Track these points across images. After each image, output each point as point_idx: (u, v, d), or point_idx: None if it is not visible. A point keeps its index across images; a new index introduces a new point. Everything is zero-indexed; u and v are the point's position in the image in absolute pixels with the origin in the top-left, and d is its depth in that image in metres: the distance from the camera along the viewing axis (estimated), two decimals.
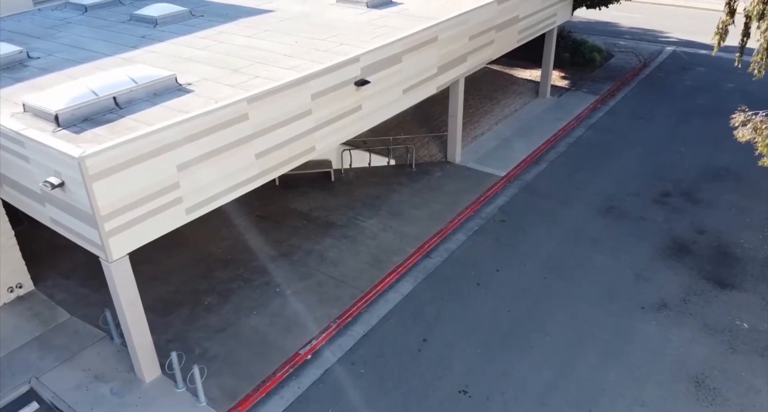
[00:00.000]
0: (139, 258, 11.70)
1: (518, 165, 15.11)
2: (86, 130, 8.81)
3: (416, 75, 12.51)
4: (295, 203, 13.69)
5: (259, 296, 10.77)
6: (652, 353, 9.52)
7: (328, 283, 11.08)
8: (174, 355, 8.83)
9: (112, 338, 9.96)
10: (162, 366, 9.21)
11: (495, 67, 21.42)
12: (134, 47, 12.55)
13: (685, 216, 13.01)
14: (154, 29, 13.70)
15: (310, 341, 9.76)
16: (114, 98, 9.73)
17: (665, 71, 21.80)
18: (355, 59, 10.80)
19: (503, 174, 14.65)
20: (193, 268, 11.56)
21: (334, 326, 10.05)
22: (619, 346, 9.65)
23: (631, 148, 16.12)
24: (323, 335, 9.88)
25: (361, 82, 10.91)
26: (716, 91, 19.77)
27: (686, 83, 20.69)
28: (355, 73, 10.86)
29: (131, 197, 8.02)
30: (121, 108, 9.71)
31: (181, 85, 10.39)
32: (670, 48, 24.34)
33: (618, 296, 10.72)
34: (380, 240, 12.29)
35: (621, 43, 24.92)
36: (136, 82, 10.08)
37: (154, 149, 8.10)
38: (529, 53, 21.45)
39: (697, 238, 12.27)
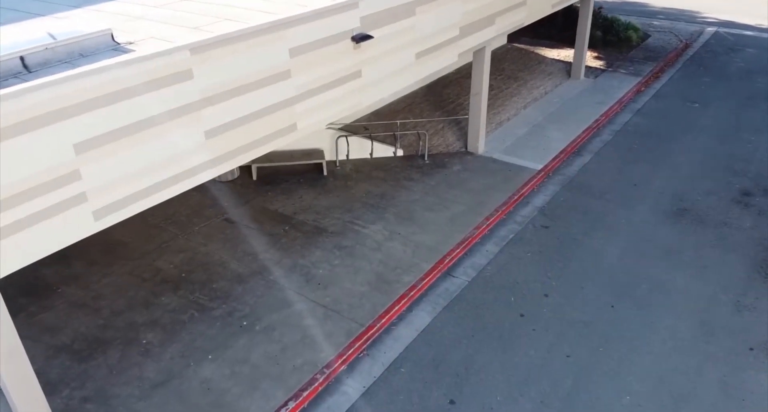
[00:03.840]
0: (60, 277, 8.87)
1: (557, 156, 12.14)
2: None
3: (433, 35, 9.54)
4: (276, 203, 10.71)
5: (218, 333, 7.77)
6: None
7: (314, 313, 8.10)
8: None
9: None
10: None
11: (518, 45, 18.48)
12: (76, 6, 9.71)
13: None
14: None
15: (286, 404, 6.76)
16: (21, 58, 6.90)
17: (712, 52, 18.87)
18: (353, 4, 7.82)
19: (539, 167, 11.68)
20: (132, 291, 8.57)
21: (321, 379, 7.06)
22: (732, 409, 6.67)
23: (691, 136, 13.15)
24: (306, 394, 6.89)
25: (361, 38, 7.95)
26: None
27: (739, 65, 17.77)
28: (352, 24, 7.89)
29: None
30: (30, 71, 6.91)
31: (118, 43, 7.50)
32: (711, 28, 21.46)
33: (716, 332, 7.75)
34: (386, 252, 9.32)
35: (655, 23, 22.04)
36: (54, 39, 7.23)
37: (32, 118, 5.14)
38: (553, 32, 18.91)
39: None
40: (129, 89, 5.72)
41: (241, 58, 6.63)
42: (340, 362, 7.28)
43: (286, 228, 9.93)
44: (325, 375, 7.10)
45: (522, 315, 8.03)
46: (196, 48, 6.17)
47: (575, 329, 7.78)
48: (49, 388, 6.98)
